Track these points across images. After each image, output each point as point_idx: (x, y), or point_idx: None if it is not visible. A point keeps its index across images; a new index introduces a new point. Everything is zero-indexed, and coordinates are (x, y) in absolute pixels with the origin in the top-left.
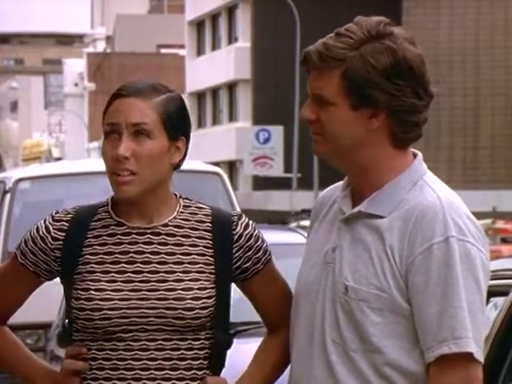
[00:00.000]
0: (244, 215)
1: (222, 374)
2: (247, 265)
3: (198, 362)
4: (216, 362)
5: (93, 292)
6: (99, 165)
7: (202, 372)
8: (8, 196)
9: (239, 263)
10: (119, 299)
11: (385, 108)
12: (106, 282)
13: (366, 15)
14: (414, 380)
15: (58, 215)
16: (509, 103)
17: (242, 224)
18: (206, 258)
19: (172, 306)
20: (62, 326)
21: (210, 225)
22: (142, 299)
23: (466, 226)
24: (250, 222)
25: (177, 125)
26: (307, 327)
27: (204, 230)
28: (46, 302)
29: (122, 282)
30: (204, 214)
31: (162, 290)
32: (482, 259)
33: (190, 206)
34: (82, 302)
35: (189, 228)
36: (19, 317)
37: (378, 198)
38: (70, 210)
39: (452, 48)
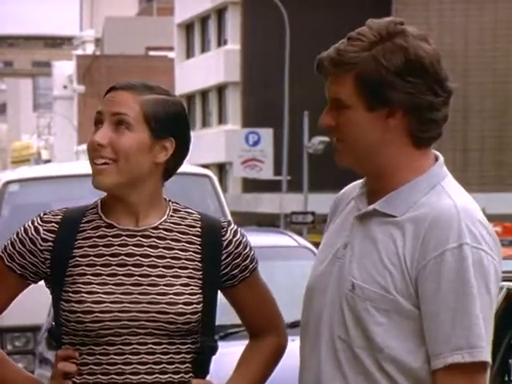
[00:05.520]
0: (233, 222)
1: (214, 374)
2: (235, 272)
3: (184, 365)
4: (201, 367)
5: (84, 294)
6: (88, 167)
7: (188, 375)
8: None
9: (227, 270)
10: (111, 302)
11: (401, 106)
12: (98, 284)
13: (355, 18)
14: (418, 381)
15: (47, 216)
16: (497, 106)
17: (231, 230)
18: (196, 263)
19: (164, 310)
20: (49, 329)
21: (200, 230)
22: (133, 302)
23: (480, 234)
24: (239, 229)
25: (164, 124)
26: (316, 322)
27: (193, 235)
28: (35, 304)
29: (113, 284)
30: (193, 219)
31: (154, 293)
32: (495, 268)
33: (179, 211)
34: (72, 304)
35: (178, 232)
36: (8, 319)
37: (393, 198)
38: (58, 212)
39: (441, 50)
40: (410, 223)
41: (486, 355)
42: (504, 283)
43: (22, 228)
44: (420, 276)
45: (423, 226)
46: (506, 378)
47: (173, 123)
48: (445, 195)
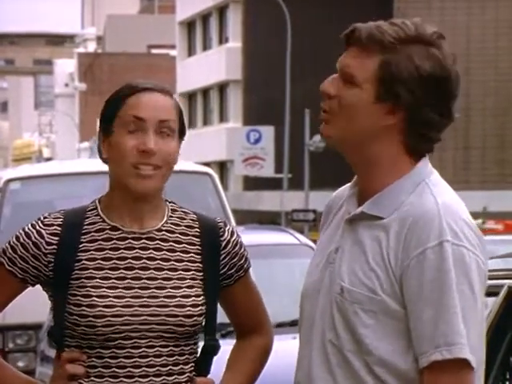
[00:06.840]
0: (232, 221)
1: (215, 371)
2: (231, 271)
3: (188, 366)
4: (203, 366)
5: (96, 299)
6: (90, 165)
7: (192, 374)
8: None
9: (225, 270)
10: (122, 306)
11: (403, 109)
12: (108, 288)
13: (357, 15)
14: (407, 382)
15: (48, 220)
16: (499, 104)
17: (228, 230)
18: (197, 264)
19: (173, 313)
20: (48, 332)
21: (199, 230)
22: (143, 306)
23: (461, 231)
24: (234, 228)
25: (183, 126)
26: (309, 327)
27: (193, 236)
28: (36, 302)
29: (123, 288)
30: (191, 219)
31: (162, 297)
32: (478, 264)
33: (176, 210)
34: (83, 308)
35: (179, 233)
36: (10, 317)
37: (381, 198)
38: (58, 214)
39: None
40: (393, 224)
41: (465, 352)
42: (505, 281)
43: (23, 232)
44: (404, 275)
45: (405, 225)
46: (508, 376)
47: (184, 123)
48: (428, 193)
